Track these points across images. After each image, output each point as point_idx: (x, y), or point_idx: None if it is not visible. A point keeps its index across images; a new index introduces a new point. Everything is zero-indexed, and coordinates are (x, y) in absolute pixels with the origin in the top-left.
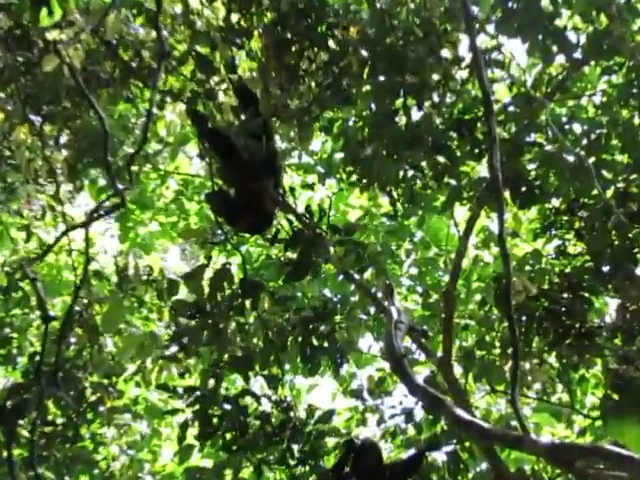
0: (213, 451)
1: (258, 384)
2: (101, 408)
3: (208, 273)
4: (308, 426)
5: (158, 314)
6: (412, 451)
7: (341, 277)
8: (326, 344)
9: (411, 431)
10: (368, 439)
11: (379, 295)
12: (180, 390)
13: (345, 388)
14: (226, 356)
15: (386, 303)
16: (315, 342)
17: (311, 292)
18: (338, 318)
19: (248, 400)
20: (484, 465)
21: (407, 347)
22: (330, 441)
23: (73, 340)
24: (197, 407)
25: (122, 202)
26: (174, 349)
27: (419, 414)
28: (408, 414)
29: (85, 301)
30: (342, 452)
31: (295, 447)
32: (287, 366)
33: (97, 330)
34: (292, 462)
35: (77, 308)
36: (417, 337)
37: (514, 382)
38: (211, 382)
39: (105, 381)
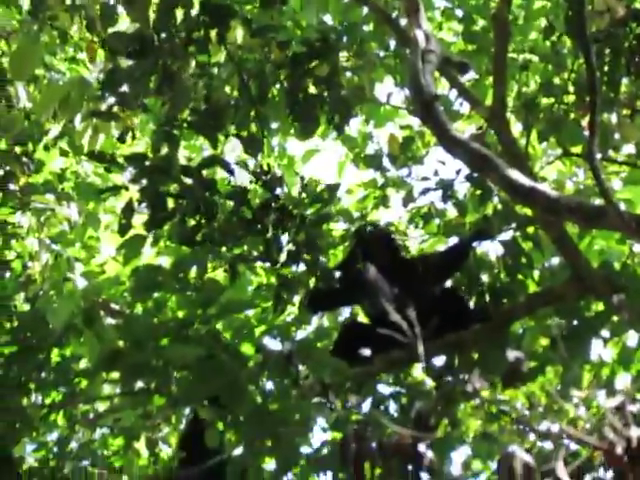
0: (170, 245)
1: (231, 150)
2: (12, 186)
3: None
4: (303, 207)
5: (89, 53)
6: (453, 240)
7: None
8: (326, 92)
9: (451, 212)
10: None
11: (402, 22)
12: (121, 160)
13: (357, 155)
14: (186, 112)
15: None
16: (311, 89)
17: (306, 20)
18: (344, 56)
19: (218, 172)
20: (555, 260)
21: (443, 95)
22: (336, 228)
23: None
24: (145, 183)
25: None
26: (111, 101)
27: (462, 189)
28: (446, 188)
29: None
30: (352, 244)
31: (284, 237)
32: (274, 126)
33: (4, 77)
34: (280, 257)
35: None
36: (455, 75)
37: (592, 139)
38: (164, 148)
39: (17, 149)
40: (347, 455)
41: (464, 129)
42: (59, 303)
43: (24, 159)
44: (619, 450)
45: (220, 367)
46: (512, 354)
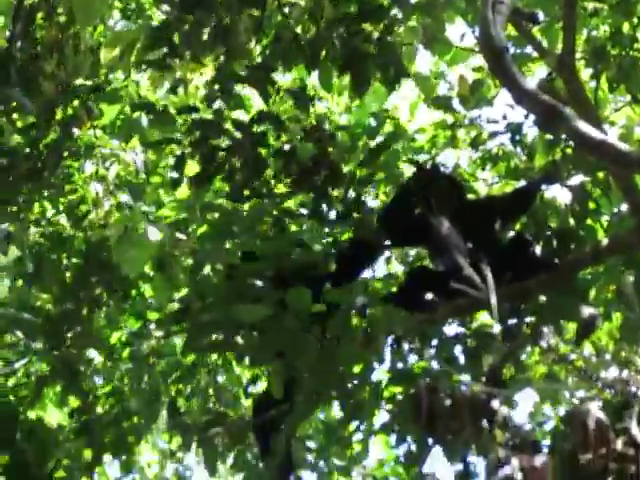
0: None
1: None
2: (76, 131)
3: None
4: (353, 165)
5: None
6: (521, 184)
7: None
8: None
9: (520, 156)
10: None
11: None
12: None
13: (428, 95)
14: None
15: None
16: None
17: None
18: None
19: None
20: (624, 206)
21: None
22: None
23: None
24: (197, 136)
25: None
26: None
27: (531, 132)
28: (515, 131)
29: None
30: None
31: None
32: None
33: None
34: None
35: None
36: (525, 25)
37: None
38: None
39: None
40: (420, 410)
41: (533, 71)
42: (133, 253)
43: (90, 104)
44: None
45: (284, 325)
46: (586, 310)
